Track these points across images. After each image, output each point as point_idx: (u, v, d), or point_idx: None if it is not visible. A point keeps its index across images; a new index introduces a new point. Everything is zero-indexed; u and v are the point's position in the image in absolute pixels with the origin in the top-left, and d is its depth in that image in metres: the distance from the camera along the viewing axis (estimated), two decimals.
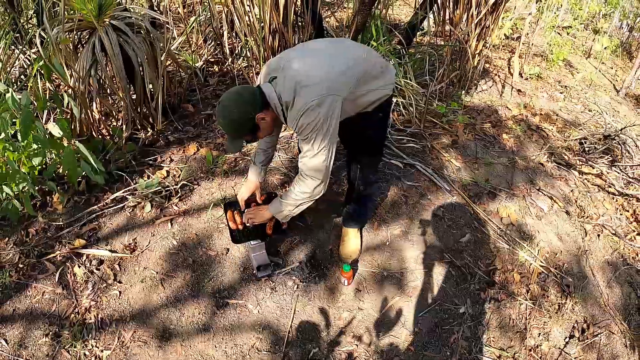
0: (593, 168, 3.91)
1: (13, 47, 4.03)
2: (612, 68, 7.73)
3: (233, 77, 4.15)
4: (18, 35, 4.13)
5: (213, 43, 4.40)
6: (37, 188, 2.85)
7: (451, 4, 3.75)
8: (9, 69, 3.71)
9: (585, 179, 3.81)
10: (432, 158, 3.44)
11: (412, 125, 3.66)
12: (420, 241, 2.86)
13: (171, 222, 2.84)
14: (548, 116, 4.59)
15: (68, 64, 3.08)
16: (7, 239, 2.70)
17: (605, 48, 6.24)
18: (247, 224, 2.39)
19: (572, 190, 3.60)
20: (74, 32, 3.32)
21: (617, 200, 3.68)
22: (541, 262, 2.93)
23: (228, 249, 2.70)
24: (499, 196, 3.27)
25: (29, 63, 3.93)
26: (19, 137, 2.65)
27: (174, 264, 2.63)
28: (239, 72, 4.14)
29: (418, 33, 4.70)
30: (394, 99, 3.66)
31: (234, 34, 4.24)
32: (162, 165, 3.21)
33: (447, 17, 3.91)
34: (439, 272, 2.71)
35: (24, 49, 3.91)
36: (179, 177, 3.11)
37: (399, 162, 3.31)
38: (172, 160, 3.26)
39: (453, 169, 3.39)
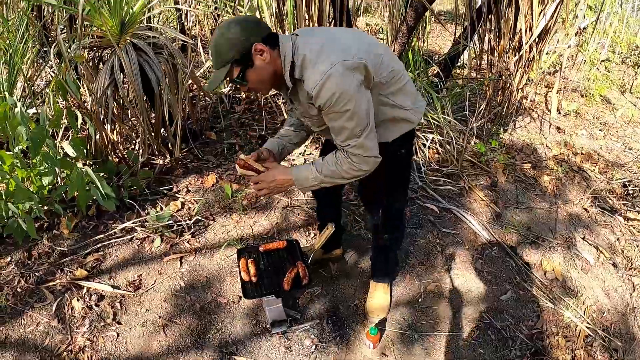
0: (639, 214, 3.48)
1: (41, 60, 3.84)
2: None
3: (260, 105, 3.82)
4: (46, 48, 3.94)
5: None
6: (44, 208, 2.66)
7: (493, 32, 3.36)
8: (35, 80, 3.55)
9: (631, 225, 3.40)
10: (470, 201, 3.04)
11: (448, 164, 3.28)
12: (457, 298, 2.46)
13: (181, 261, 2.52)
14: (589, 156, 4.18)
15: (85, 82, 2.84)
16: (9, 258, 2.53)
17: None
18: (257, 196, 1.92)
19: (617, 239, 3.20)
20: (94, 49, 3.07)
21: None
22: (588, 323, 2.52)
23: (240, 297, 2.35)
24: (542, 246, 2.88)
25: (53, 76, 3.76)
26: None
27: (179, 309, 2.30)
28: (266, 100, 3.80)
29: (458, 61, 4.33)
30: (430, 136, 3.28)
31: None
32: (177, 195, 2.89)
33: (489, 47, 3.52)
34: (476, 336, 2.30)
35: (50, 61, 3.72)
36: (194, 210, 2.78)
37: (434, 205, 2.92)
38: (188, 190, 2.93)
39: (492, 215, 2.99)
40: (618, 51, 5.26)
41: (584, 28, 4.53)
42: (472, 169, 3.35)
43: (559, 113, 4.70)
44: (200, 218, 2.70)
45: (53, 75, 3.72)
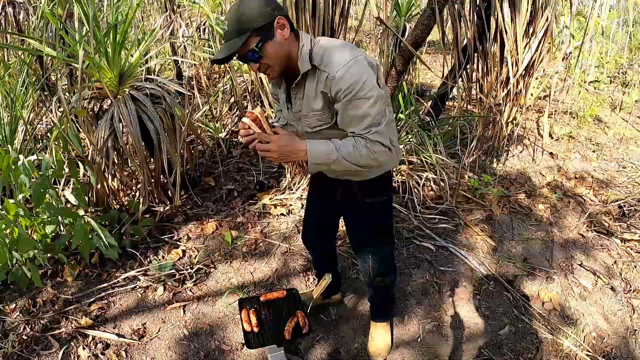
0: (635, 234, 3.51)
1: (41, 105, 3.94)
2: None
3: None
4: (47, 93, 4.03)
5: (238, 112, 4.17)
6: (48, 256, 2.70)
7: (481, 71, 3.45)
8: (36, 125, 3.59)
9: (628, 246, 3.41)
10: (466, 237, 3.08)
11: (443, 201, 3.33)
12: (455, 336, 2.48)
13: (184, 309, 2.55)
14: (583, 179, 4.23)
15: (86, 133, 2.91)
16: (14, 305, 2.54)
17: (636, 101, 5.86)
18: (262, 157, 1.72)
19: (615, 262, 3.21)
20: (93, 100, 3.15)
21: None
22: (588, 350, 2.53)
23: (243, 344, 2.36)
24: (539, 277, 2.90)
25: (54, 122, 3.84)
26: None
27: (183, 356, 2.32)
28: None
29: (447, 99, 4.41)
30: (424, 174, 3.35)
31: (259, 102, 4.02)
32: (178, 243, 2.94)
33: (476, 84, 3.60)
34: None
35: (51, 106, 3.81)
36: (195, 257, 2.82)
37: (430, 244, 2.96)
38: (189, 238, 2.98)
39: (489, 249, 3.02)
40: (606, 71, 5.35)
41: (570, 52, 4.62)
42: (467, 204, 3.40)
43: (552, 138, 4.76)
44: (201, 266, 2.74)
45: (54, 120, 3.83)
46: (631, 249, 3.38)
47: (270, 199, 3.28)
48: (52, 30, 3.66)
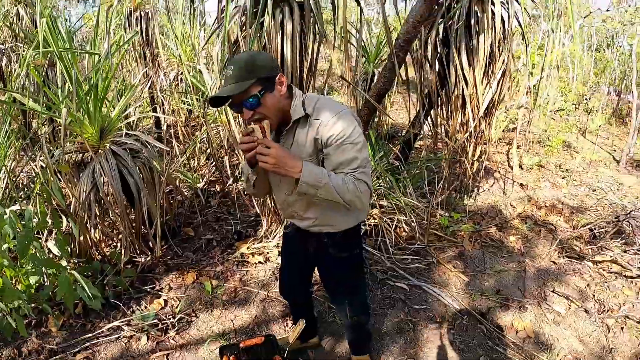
0: (606, 255, 3.63)
1: (22, 153, 3.99)
2: (607, 138, 7.61)
3: (234, 198, 4.01)
4: (28, 141, 4.09)
5: (215, 162, 4.30)
6: (32, 306, 2.71)
7: (445, 115, 3.63)
8: (18, 173, 3.66)
9: (600, 268, 3.53)
10: (439, 275, 3.19)
11: (415, 241, 3.45)
12: None
13: (167, 358, 2.59)
14: (553, 207, 4.38)
15: (67, 185, 2.99)
16: (0, 354, 2.53)
17: (600, 126, 6.12)
18: (261, 160, 1.57)
19: (588, 285, 3.32)
20: (75, 154, 3.25)
21: (636, 284, 3.36)
22: None
23: None
24: (512, 307, 2.99)
25: (37, 171, 3.89)
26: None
27: None
28: (238, 194, 4.01)
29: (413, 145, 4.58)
30: (395, 217, 3.48)
31: (236, 153, 4.15)
32: (160, 293, 3.00)
33: (441, 128, 3.79)
34: None
35: (33, 155, 3.88)
36: (177, 307, 2.89)
37: (404, 284, 3.06)
38: (170, 288, 3.04)
39: (462, 285, 3.13)
40: (569, 99, 5.60)
41: (533, 85, 4.85)
42: (439, 242, 3.52)
43: (522, 169, 4.93)
44: (183, 315, 2.80)
45: (36, 170, 3.89)
46: (603, 270, 3.49)
47: (248, 248, 3.37)
48: (34, 79, 3.76)
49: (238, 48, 2.76)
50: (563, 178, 5.16)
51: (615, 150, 6.71)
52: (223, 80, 1.57)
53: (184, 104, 4.75)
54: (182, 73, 4.71)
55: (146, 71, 4.00)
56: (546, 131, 5.77)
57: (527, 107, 5.00)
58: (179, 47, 4.66)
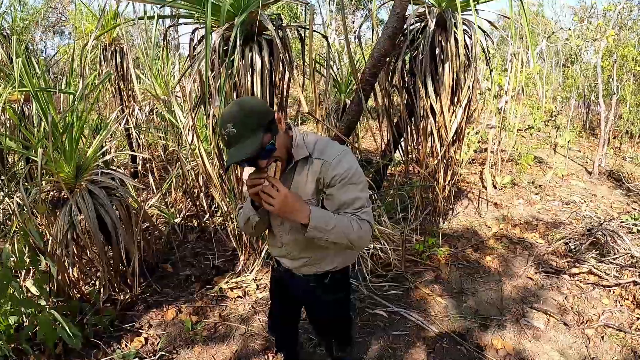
0: (582, 266, 3.71)
1: None
2: (579, 151, 7.83)
3: (211, 233, 4.00)
4: (4, 178, 4.04)
5: (190, 197, 4.27)
6: (12, 347, 2.65)
7: (414, 143, 3.72)
8: None
9: (577, 280, 3.61)
10: (417, 299, 3.23)
11: (392, 268, 3.48)
12: None
13: None
14: (528, 224, 4.47)
15: (44, 223, 2.96)
16: None
17: (568, 142, 6.30)
18: (266, 201, 1.51)
19: (566, 297, 3.38)
20: (52, 192, 3.23)
21: (614, 292, 3.45)
22: None
23: None
24: (491, 326, 3.03)
25: (13, 209, 3.83)
26: None
27: None
28: (215, 229, 4.01)
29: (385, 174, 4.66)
30: (371, 245, 3.53)
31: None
32: (140, 331, 2.96)
33: (412, 156, 3.87)
34: None
35: (10, 192, 3.82)
36: (157, 344, 2.85)
37: (382, 311, 3.08)
38: (150, 325, 3.01)
39: (440, 308, 3.16)
40: (538, 117, 5.77)
41: (502, 107, 4.99)
42: (415, 267, 3.56)
43: (495, 188, 5.03)
44: (164, 353, 2.77)
45: (11, 207, 3.83)
46: (580, 282, 3.56)
47: (226, 283, 3.37)
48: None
49: (210, 87, 2.81)
50: (537, 194, 5.28)
51: (587, 162, 6.90)
52: (227, 140, 1.49)
53: (160, 138, 4.76)
54: (155, 107, 4.73)
55: (121, 107, 4.01)
56: (517, 149, 5.92)
57: (496, 127, 5.15)
58: (153, 82, 4.69)
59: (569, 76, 10.96)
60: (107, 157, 3.30)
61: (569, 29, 7.77)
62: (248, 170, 1.75)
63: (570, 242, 4.09)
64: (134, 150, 4.88)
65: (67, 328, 2.58)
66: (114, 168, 3.64)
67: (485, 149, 5.67)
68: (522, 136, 6.08)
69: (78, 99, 2.87)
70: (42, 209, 2.92)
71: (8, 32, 5.52)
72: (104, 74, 5.31)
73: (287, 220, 1.66)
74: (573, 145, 7.36)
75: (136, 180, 5.28)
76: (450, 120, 3.50)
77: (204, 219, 4.07)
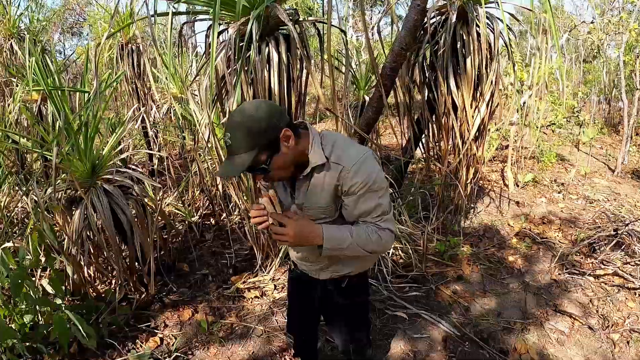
0: (607, 268, 3.57)
1: (17, 188, 3.94)
2: (601, 148, 7.61)
3: (228, 232, 3.91)
4: (22, 176, 4.05)
5: (207, 196, 4.22)
6: (27, 345, 2.61)
7: (435, 140, 3.60)
8: (12, 209, 3.62)
9: (602, 281, 3.47)
10: (439, 301, 3.13)
11: (413, 268, 3.37)
12: None
13: None
14: (551, 223, 4.33)
15: (60, 222, 2.93)
16: None
17: (591, 139, 6.11)
18: (278, 240, 1.51)
19: (590, 300, 3.24)
20: (67, 192, 3.20)
21: (639, 295, 3.29)
22: None
23: None
24: (514, 329, 2.92)
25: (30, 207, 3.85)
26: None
27: None
28: (233, 228, 3.93)
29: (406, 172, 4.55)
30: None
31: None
32: (155, 331, 2.92)
33: (434, 153, 3.75)
34: None
35: (27, 191, 3.83)
36: (173, 345, 2.80)
37: (403, 313, 2.98)
38: (166, 325, 2.97)
39: (462, 310, 3.06)
40: (560, 114, 5.61)
41: (524, 103, 4.85)
42: (437, 268, 3.45)
43: (517, 186, 4.89)
44: (179, 354, 2.72)
45: (28, 207, 3.84)
46: (605, 284, 3.42)
47: (243, 283, 3.30)
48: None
49: (226, 84, 2.74)
50: (559, 192, 5.12)
51: (609, 160, 6.70)
52: (225, 147, 1.45)
53: (178, 137, 4.73)
54: (173, 106, 4.69)
55: (138, 106, 3.98)
56: (538, 146, 5.76)
57: (518, 124, 5.00)
58: (170, 80, 4.66)
59: (590, 71, 10.69)
60: (124, 155, 3.26)
61: (591, 22, 7.53)
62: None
63: (594, 242, 3.94)
64: (151, 149, 4.85)
65: (81, 327, 2.55)
66: (132, 166, 3.61)
67: (506, 146, 5.52)
68: (544, 133, 5.91)
69: (92, 98, 2.83)
70: (56, 208, 2.88)
71: (25, 33, 5.56)
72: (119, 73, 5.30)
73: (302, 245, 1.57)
74: (595, 142, 7.15)
75: (153, 178, 5.30)
76: (473, 116, 3.38)
77: (222, 218, 4.00)
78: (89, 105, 2.96)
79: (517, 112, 4.70)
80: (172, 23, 2.55)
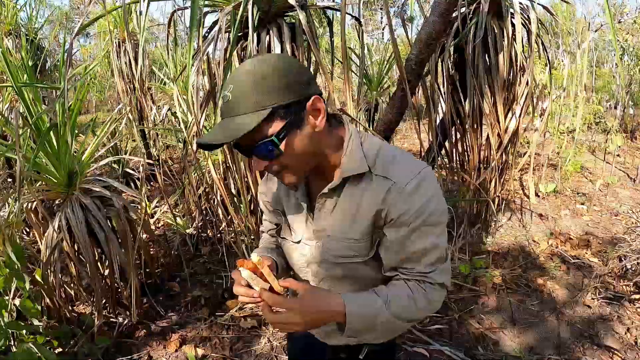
0: None
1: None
2: (618, 155, 7.16)
3: (225, 246, 3.41)
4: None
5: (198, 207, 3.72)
6: None
7: (461, 147, 3.09)
8: None
9: (638, 307, 3.04)
10: (463, 334, 2.68)
11: None
12: None
13: None
14: (579, 239, 3.89)
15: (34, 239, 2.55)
16: None
17: (619, 147, 5.64)
18: (282, 330, 1.02)
19: (628, 329, 2.82)
20: (42, 202, 2.78)
21: None
22: None
23: None
24: None
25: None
26: None
27: None
28: (229, 243, 3.43)
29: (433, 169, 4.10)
30: None
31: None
32: None
33: (459, 162, 3.24)
34: None
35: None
36: None
37: (423, 349, 2.53)
38: (150, 357, 2.54)
39: (489, 343, 2.61)
40: (581, 119, 5.18)
41: (546, 107, 4.42)
42: (459, 292, 3.01)
43: (538, 197, 4.45)
44: None
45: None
46: None
47: (240, 310, 2.83)
48: None
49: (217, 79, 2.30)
50: (582, 204, 4.69)
51: (628, 168, 6.26)
52: (221, 108, 0.92)
53: (177, 140, 4.31)
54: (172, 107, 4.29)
55: (124, 105, 3.55)
56: (559, 154, 5.30)
57: (540, 130, 4.58)
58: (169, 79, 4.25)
59: (601, 76, 10.25)
60: (102, 162, 2.82)
61: (619, 22, 7.11)
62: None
63: (625, 259, 3.52)
64: (150, 152, 4.42)
65: None
66: (129, 170, 3.18)
67: (524, 153, 5.10)
68: (565, 139, 5.47)
69: (61, 90, 2.37)
70: (18, 225, 2.44)
71: (23, 30, 5.17)
72: (114, 70, 4.92)
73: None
74: (613, 150, 6.72)
75: (151, 183, 4.88)
76: (506, 121, 2.88)
77: (220, 229, 3.47)
78: (60, 99, 2.52)
79: (540, 117, 4.27)
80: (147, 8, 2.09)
